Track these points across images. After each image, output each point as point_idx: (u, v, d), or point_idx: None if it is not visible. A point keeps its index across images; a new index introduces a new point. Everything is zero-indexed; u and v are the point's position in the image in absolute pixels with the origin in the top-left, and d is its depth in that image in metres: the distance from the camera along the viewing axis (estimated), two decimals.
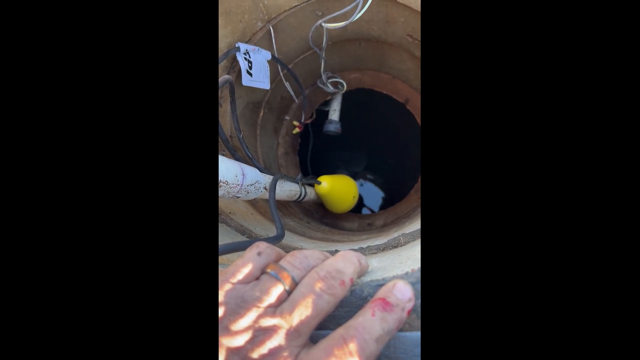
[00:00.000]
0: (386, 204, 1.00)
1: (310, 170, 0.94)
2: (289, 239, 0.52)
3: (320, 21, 0.54)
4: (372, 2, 0.50)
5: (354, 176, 0.83)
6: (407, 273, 0.22)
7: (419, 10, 0.56)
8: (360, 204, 1.01)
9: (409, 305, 0.21)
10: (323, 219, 0.85)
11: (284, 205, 0.73)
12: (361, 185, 1.03)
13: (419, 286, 0.21)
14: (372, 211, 0.98)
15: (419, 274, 0.22)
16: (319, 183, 0.68)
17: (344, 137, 0.90)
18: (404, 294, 0.21)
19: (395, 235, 0.39)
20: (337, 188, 0.71)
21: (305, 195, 0.62)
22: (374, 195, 1.03)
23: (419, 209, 0.73)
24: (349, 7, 0.49)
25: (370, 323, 0.19)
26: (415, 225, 0.43)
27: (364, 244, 0.39)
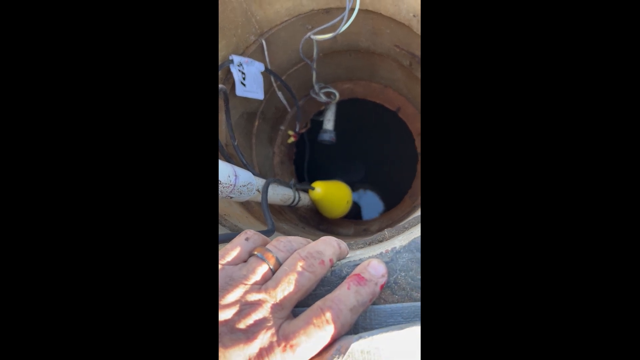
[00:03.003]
0: (381, 210, 1.02)
1: (307, 178, 0.96)
2: None
3: (309, 33, 0.57)
4: (358, 15, 0.53)
5: (351, 185, 0.85)
6: (381, 253, 0.24)
7: (404, 22, 0.59)
8: (357, 211, 1.03)
9: (382, 281, 0.23)
10: (319, 225, 0.87)
11: (279, 212, 0.75)
12: (359, 196, 1.05)
13: (392, 264, 0.23)
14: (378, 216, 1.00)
15: (392, 254, 0.24)
16: (313, 189, 0.70)
17: (338, 145, 0.92)
18: (378, 270, 0.23)
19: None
20: (331, 193, 0.73)
21: (299, 200, 0.64)
22: (369, 202, 1.05)
23: (414, 214, 0.75)
24: (335, 20, 0.52)
25: (345, 295, 0.21)
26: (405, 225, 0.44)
27: (352, 240, 0.41)
